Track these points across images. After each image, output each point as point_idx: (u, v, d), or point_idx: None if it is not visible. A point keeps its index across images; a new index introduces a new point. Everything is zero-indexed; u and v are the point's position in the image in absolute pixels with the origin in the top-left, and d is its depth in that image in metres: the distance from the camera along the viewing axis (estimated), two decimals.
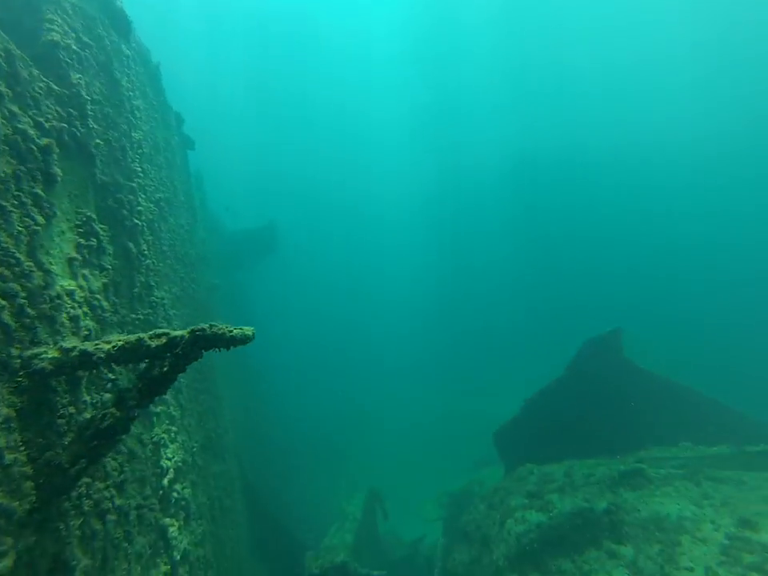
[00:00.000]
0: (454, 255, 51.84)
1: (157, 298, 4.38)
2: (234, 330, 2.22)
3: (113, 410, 2.00)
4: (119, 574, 2.80)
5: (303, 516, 12.00)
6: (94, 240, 2.76)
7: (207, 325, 2.19)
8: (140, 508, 3.33)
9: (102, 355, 1.95)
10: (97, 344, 1.99)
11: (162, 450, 3.93)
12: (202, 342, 2.13)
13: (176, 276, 5.56)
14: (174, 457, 4.19)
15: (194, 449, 5.08)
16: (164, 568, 3.66)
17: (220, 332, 2.17)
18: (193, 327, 2.16)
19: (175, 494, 4.11)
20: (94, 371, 2.49)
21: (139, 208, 3.70)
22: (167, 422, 4.20)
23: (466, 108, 50.03)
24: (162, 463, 3.87)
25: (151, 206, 4.24)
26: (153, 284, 4.25)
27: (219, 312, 10.19)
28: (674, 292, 37.60)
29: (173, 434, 4.29)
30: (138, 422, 3.60)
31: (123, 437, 3.06)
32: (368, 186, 55.49)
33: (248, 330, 2.29)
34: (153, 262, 4.37)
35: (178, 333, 2.13)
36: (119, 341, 1.97)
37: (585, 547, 5.60)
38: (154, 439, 3.85)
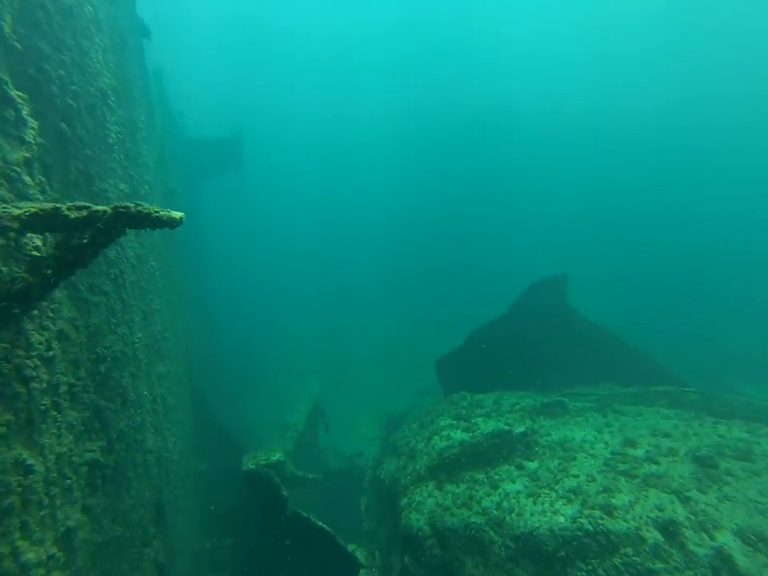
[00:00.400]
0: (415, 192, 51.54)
1: (99, 188, 4.29)
2: (161, 212, 2.26)
3: (25, 274, 2.05)
4: (48, 438, 2.97)
5: (248, 427, 12.61)
6: (11, 110, 2.65)
7: (133, 203, 2.22)
8: (72, 386, 3.46)
9: (10, 221, 1.95)
10: (5, 207, 1.98)
11: (98, 337, 4.02)
12: (125, 219, 2.17)
13: (125, 173, 5.39)
14: (111, 347, 4.29)
15: (137, 344, 5.19)
16: (99, 443, 3.87)
17: (145, 211, 2.21)
18: (117, 204, 2.19)
19: (112, 381, 4.26)
20: (12, 243, 2.47)
21: (73, 87, 3.51)
22: (106, 313, 4.25)
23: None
24: (97, 350, 3.97)
25: (91, 89, 4.02)
26: (93, 174, 4.14)
27: None
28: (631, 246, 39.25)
29: (112, 326, 4.37)
30: (72, 307, 3.66)
31: (49, 313, 3.13)
32: (346, 109, 53.39)
33: (176, 214, 2.33)
34: (94, 152, 4.23)
35: (101, 207, 2.16)
36: (32, 207, 1.98)
37: (498, 462, 6.24)
38: (91, 328, 3.92)
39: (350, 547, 6.52)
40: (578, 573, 4.39)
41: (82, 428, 3.60)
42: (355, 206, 52.98)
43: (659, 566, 4.13)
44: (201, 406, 10.27)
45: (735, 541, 4.16)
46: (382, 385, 16.78)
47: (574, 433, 6.65)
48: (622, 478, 5.06)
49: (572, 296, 10.22)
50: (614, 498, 4.73)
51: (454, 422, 6.92)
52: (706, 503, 4.57)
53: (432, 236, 46.14)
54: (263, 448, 7.38)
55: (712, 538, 4.20)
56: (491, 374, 8.81)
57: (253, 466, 6.16)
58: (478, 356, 9.34)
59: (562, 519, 4.67)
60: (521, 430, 6.58)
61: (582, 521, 4.57)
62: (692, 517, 4.44)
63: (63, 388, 3.22)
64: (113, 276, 4.44)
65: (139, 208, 2.08)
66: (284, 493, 5.79)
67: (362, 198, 53.37)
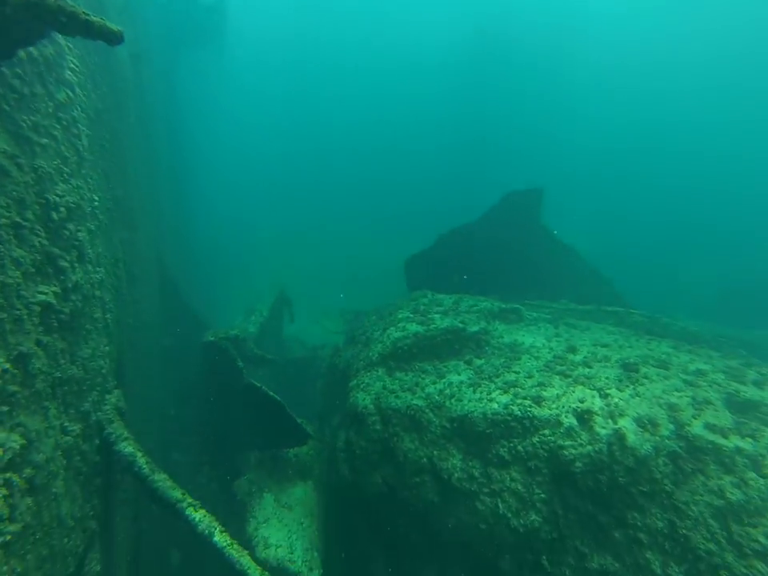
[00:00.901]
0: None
1: None
2: (93, 18, 2.09)
3: None
4: None
5: (215, 311, 12.91)
6: None
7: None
8: (18, 225, 3.41)
9: None
10: None
11: (48, 183, 3.89)
12: (39, 11, 1.96)
13: None
14: (65, 196, 4.18)
15: (96, 203, 5.06)
16: (53, 288, 3.89)
17: (69, 9, 2.03)
18: None
19: (67, 232, 4.20)
20: None
21: None
22: (57, 159, 4.08)
23: None
24: (47, 196, 3.86)
25: None
26: None
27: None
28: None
29: (64, 175, 4.22)
30: (11, 141, 3.49)
31: None
32: None
33: (113, 26, 2.17)
34: None
35: None
36: None
37: (448, 357, 6.62)
38: (39, 171, 3.77)
39: (302, 421, 7.04)
40: (501, 449, 4.88)
41: (32, 269, 3.60)
42: (335, 109, 50.29)
43: (568, 443, 4.62)
44: (169, 285, 10.37)
45: (632, 424, 4.67)
46: (353, 286, 17.12)
47: (524, 338, 7.03)
48: (557, 377, 5.48)
49: (550, 216, 10.28)
50: (544, 391, 5.15)
51: (412, 316, 7.20)
52: (619, 398, 5.04)
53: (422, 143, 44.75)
54: (226, 329, 7.60)
55: (615, 423, 4.68)
56: (455, 278, 9.03)
57: (212, 338, 6.39)
58: (445, 259, 9.51)
59: (495, 405, 5.08)
60: (475, 329, 6.90)
61: (513, 408, 4.99)
62: (605, 408, 4.92)
63: (4, 221, 3.17)
64: (64, 122, 4.20)
65: (61, 3, 1.90)
66: (239, 363, 6.08)
67: (345, 103, 50.60)
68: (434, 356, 6.64)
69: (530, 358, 6.20)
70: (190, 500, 4.77)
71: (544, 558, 4.54)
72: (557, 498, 4.57)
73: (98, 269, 4.97)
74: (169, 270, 10.41)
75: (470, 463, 4.96)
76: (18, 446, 3.13)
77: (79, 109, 4.58)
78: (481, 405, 5.17)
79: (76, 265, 4.37)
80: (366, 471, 5.54)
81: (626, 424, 4.70)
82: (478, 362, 6.44)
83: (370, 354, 6.70)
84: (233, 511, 5.91)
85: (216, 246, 18.81)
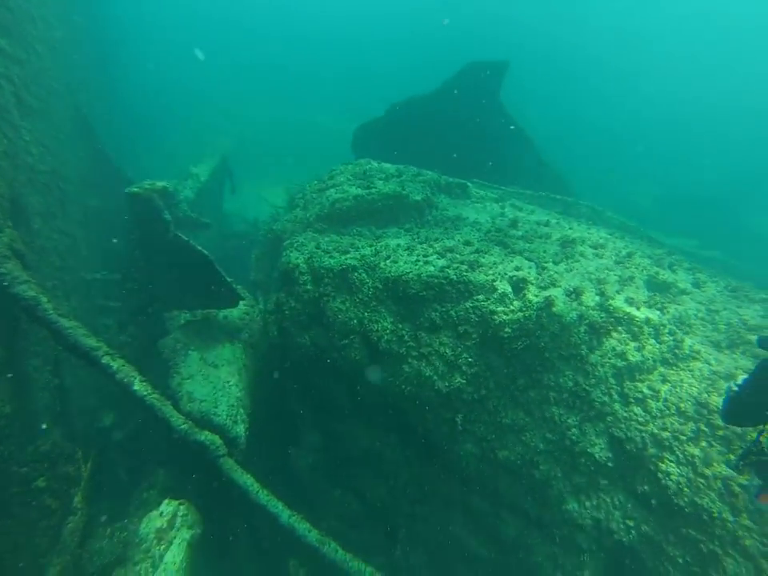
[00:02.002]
0: None
1: None
2: None
3: None
4: None
5: (148, 174, 11.75)
6: None
7: None
8: None
9: None
10: None
11: None
12: None
13: None
14: None
15: None
16: None
17: None
18: None
19: None
20: None
21: None
22: None
23: None
24: None
25: None
26: None
27: None
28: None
29: None
30: None
31: None
32: None
33: None
34: None
35: None
36: None
37: (388, 223, 6.37)
38: None
39: (232, 282, 6.74)
40: (433, 313, 4.87)
41: None
42: None
43: (500, 308, 4.67)
44: (91, 139, 9.16)
45: (562, 295, 4.78)
46: (299, 161, 16.07)
47: (468, 213, 6.86)
48: (496, 247, 5.41)
49: (522, 104, 9.65)
50: (482, 258, 5.08)
51: (353, 179, 6.79)
52: (555, 271, 5.08)
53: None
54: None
55: (547, 292, 4.77)
56: (405, 152, 8.52)
57: (136, 189, 5.71)
58: (396, 131, 8.89)
59: (431, 268, 4.97)
60: (418, 198, 6.61)
61: (449, 271, 4.90)
62: (540, 278, 4.95)
63: None
64: None
65: None
66: (166, 216, 5.53)
67: None
68: (373, 221, 6.37)
69: (471, 230, 6.08)
70: (106, 348, 4.51)
71: (460, 416, 4.78)
72: (482, 362, 4.70)
73: None
74: (90, 121, 9.11)
75: (401, 326, 4.95)
76: None
77: None
78: (416, 267, 5.04)
79: None
80: (295, 332, 5.45)
81: (557, 294, 4.77)
82: (420, 231, 6.26)
83: (307, 215, 6.32)
84: (157, 368, 5.77)
85: (156, 104, 16.69)
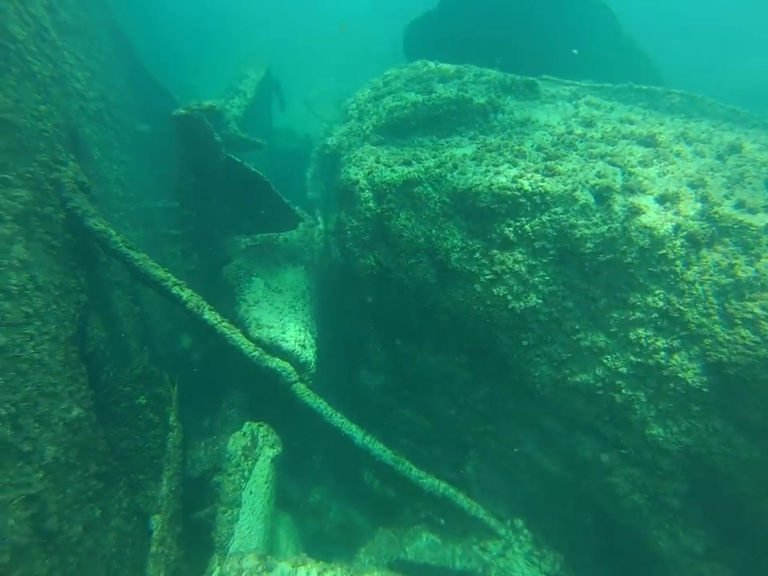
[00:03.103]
0: None
1: None
2: None
3: None
4: None
5: (194, 92, 11.37)
6: None
7: None
8: None
9: None
10: None
11: None
12: None
13: None
14: None
15: None
16: None
17: None
18: None
19: None
20: None
21: None
22: None
23: None
24: None
25: None
26: None
27: None
28: None
29: None
30: None
31: None
32: None
33: None
34: None
35: None
36: None
37: (451, 132, 5.78)
38: None
39: (290, 203, 6.55)
40: (506, 228, 4.46)
41: None
42: None
43: (581, 221, 4.19)
44: (133, 59, 8.80)
45: (654, 204, 4.19)
46: (348, 70, 14.97)
47: (537, 115, 6.08)
48: (574, 152, 4.76)
49: None
50: (559, 165, 4.50)
51: (409, 84, 6.14)
52: (644, 176, 4.43)
53: None
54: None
55: (635, 200, 4.18)
56: (465, 49, 7.56)
57: (183, 110, 5.45)
58: (453, 24, 7.87)
59: (503, 179, 4.49)
60: (481, 100, 5.90)
61: (522, 181, 4.40)
62: (626, 185, 4.34)
63: None
64: None
65: None
66: (216, 137, 5.29)
67: None
68: (434, 129, 5.81)
69: (543, 134, 5.40)
70: (174, 279, 4.55)
71: (535, 337, 4.53)
72: (560, 280, 4.34)
73: None
74: (128, 38, 8.68)
75: (471, 243, 4.61)
76: None
77: None
78: (486, 178, 4.57)
79: None
80: (358, 253, 5.26)
81: (647, 202, 4.19)
82: (484, 137, 5.67)
83: (364, 126, 5.85)
84: (222, 296, 5.86)
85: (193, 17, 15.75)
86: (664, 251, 4.05)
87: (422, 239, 4.81)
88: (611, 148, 4.97)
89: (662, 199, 4.25)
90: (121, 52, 8.39)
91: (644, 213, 4.04)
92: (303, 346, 5.09)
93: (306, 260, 6.06)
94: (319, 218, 6.95)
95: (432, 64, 6.72)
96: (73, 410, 3.56)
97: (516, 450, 4.95)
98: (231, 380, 5.54)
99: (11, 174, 3.56)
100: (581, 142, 5.03)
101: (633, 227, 4.03)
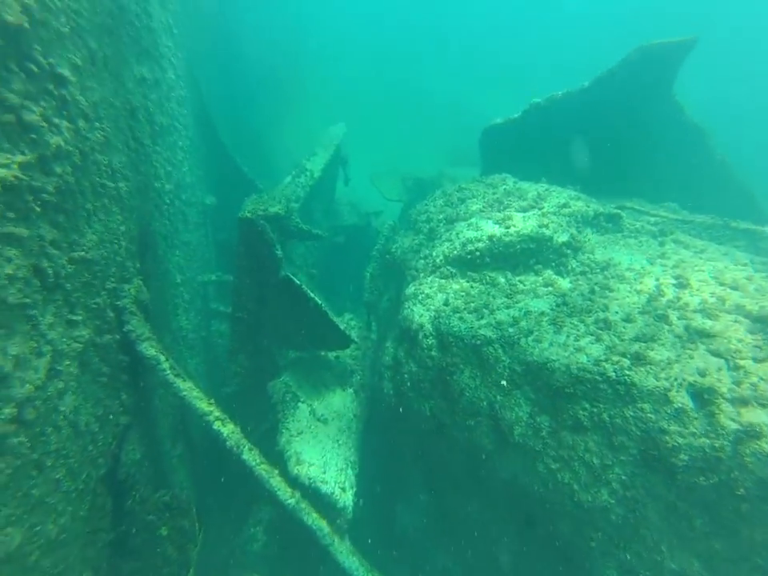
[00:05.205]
0: None
1: None
2: None
3: None
4: None
5: (264, 160, 11.64)
6: None
7: None
8: None
9: None
10: None
11: None
12: None
13: None
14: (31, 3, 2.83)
15: (79, 14, 3.59)
16: (20, 159, 2.83)
17: None
18: None
19: (32, 67, 2.93)
20: None
21: None
22: None
23: None
24: None
25: None
26: None
27: None
28: None
29: None
30: None
31: None
32: None
33: None
34: None
35: None
36: None
37: (525, 271, 5.43)
38: None
39: (346, 317, 6.33)
40: (581, 411, 3.99)
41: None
42: None
43: (674, 428, 3.66)
44: (209, 132, 9.05)
45: None
46: (412, 141, 15.05)
47: (621, 257, 5.65)
48: (666, 327, 4.25)
49: None
50: (651, 350, 4.00)
51: (487, 210, 5.85)
52: (760, 377, 3.84)
53: None
54: (269, 194, 6.48)
55: (750, 414, 3.55)
56: (544, 160, 7.29)
57: (249, 214, 5.37)
58: (534, 134, 7.61)
59: (584, 359, 4.05)
60: (563, 238, 5.55)
61: (607, 366, 3.94)
62: (737, 389, 3.77)
63: None
64: None
65: None
66: (278, 252, 5.14)
67: None
68: (509, 266, 5.48)
69: (629, 291, 4.92)
70: (217, 413, 4.31)
71: (601, 536, 3.97)
72: (641, 484, 3.79)
73: (97, 124, 3.79)
74: (209, 111, 8.95)
75: (539, 420, 4.15)
76: None
77: None
78: (565, 353, 4.14)
79: (57, 121, 3.22)
80: (413, 399, 4.89)
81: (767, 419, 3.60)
82: (562, 284, 5.27)
83: (434, 253, 5.57)
84: (265, 413, 5.61)
85: (269, 80, 16.35)
86: None
87: (485, 403, 4.40)
88: (711, 324, 4.41)
89: None
90: (203, 131, 8.61)
91: (763, 434, 3.46)
92: (343, 489, 4.72)
93: (356, 381, 5.75)
94: (373, 326, 6.68)
95: (511, 182, 6.45)
96: None
97: None
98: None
99: (79, 315, 3.43)
100: (673, 310, 4.51)
101: (748, 451, 3.45)
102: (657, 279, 5.06)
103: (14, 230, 2.68)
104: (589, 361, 4.01)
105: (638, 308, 4.57)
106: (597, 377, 3.93)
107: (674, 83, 7.43)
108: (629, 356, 4.00)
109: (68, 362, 3.31)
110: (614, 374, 3.90)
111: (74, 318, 3.38)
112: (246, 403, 5.87)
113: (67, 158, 3.26)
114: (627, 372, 3.89)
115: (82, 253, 3.44)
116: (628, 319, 4.40)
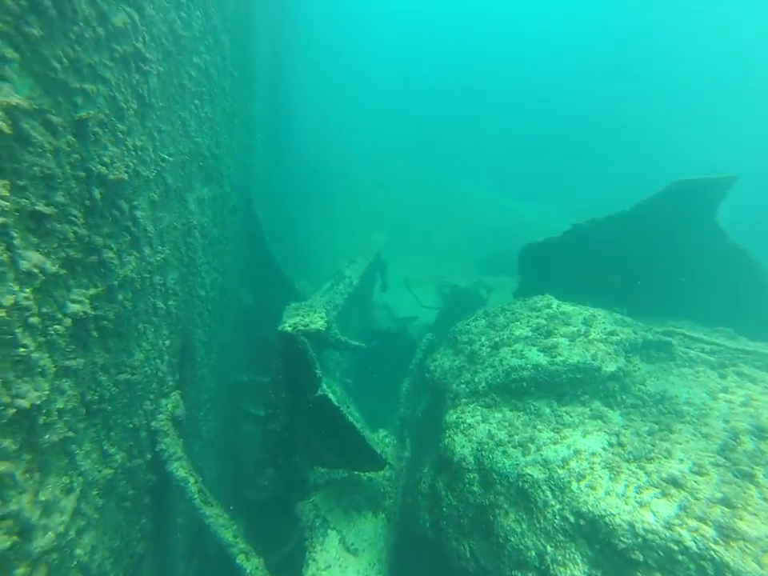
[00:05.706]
0: None
1: None
2: None
3: None
4: None
5: (304, 261, 12.07)
6: None
7: None
8: (40, 219, 2.36)
9: None
10: None
11: (92, 146, 2.79)
12: None
13: None
14: (114, 162, 3.08)
15: (164, 163, 3.96)
16: (92, 291, 2.91)
17: None
18: None
19: (116, 212, 3.15)
20: None
21: None
22: (108, 108, 2.95)
23: None
24: (89, 166, 2.77)
25: None
26: None
27: None
28: None
29: (118, 133, 3.10)
30: (35, 87, 2.37)
31: None
32: None
33: None
34: None
35: None
36: None
37: (572, 401, 5.12)
38: (76, 128, 2.66)
39: (381, 433, 6.04)
40: None
41: (63, 271, 2.62)
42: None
43: None
44: (256, 235, 9.51)
45: None
46: (441, 246, 15.46)
47: (675, 389, 5.30)
48: (753, 488, 3.78)
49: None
50: (740, 519, 3.51)
51: (532, 336, 5.68)
52: None
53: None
54: (309, 303, 6.55)
55: None
56: (587, 280, 7.22)
57: (289, 329, 5.36)
58: (575, 255, 7.66)
59: (651, 518, 3.60)
60: (611, 369, 5.28)
61: (683, 532, 3.47)
62: None
63: (14, 214, 2.13)
64: (118, 54, 2.99)
65: None
66: (317, 371, 5.04)
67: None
68: (555, 395, 5.19)
69: (694, 434, 4.52)
70: (242, 545, 3.97)
71: None
72: None
73: (160, 248, 3.97)
74: (257, 215, 9.46)
75: None
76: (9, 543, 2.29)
77: (147, 37, 3.36)
78: (626, 508, 3.71)
79: (127, 254, 3.36)
80: (452, 535, 4.43)
81: None
82: (613, 417, 4.93)
83: (477, 379, 5.36)
84: (289, 532, 5.20)
85: (314, 180, 17.48)
86: None
87: (533, 552, 3.91)
88: None
89: None
90: (248, 234, 9.03)
91: None
92: None
93: (388, 505, 5.31)
94: (407, 442, 6.33)
95: (555, 305, 6.34)
96: None
97: None
98: None
99: (112, 446, 3.32)
100: (756, 464, 4.01)
101: None
102: (726, 421, 4.66)
103: (73, 362, 2.69)
104: (659, 522, 3.56)
105: (710, 458, 4.14)
106: (672, 545, 3.45)
107: (716, 212, 7.49)
108: (712, 524, 3.50)
109: (96, 492, 3.14)
110: (694, 545, 3.41)
111: (110, 444, 3.27)
112: (270, 518, 5.51)
113: (130, 285, 3.37)
114: (713, 546, 3.39)
115: (128, 375, 3.42)
116: (700, 472, 3.97)
